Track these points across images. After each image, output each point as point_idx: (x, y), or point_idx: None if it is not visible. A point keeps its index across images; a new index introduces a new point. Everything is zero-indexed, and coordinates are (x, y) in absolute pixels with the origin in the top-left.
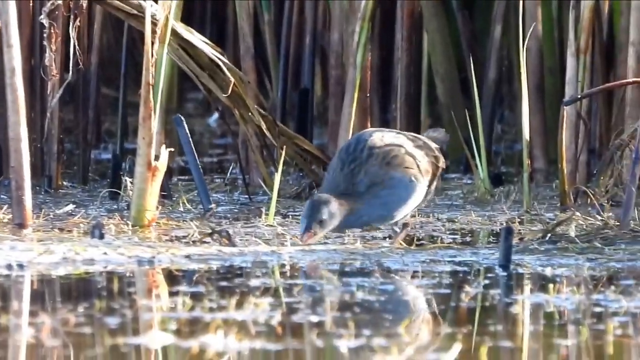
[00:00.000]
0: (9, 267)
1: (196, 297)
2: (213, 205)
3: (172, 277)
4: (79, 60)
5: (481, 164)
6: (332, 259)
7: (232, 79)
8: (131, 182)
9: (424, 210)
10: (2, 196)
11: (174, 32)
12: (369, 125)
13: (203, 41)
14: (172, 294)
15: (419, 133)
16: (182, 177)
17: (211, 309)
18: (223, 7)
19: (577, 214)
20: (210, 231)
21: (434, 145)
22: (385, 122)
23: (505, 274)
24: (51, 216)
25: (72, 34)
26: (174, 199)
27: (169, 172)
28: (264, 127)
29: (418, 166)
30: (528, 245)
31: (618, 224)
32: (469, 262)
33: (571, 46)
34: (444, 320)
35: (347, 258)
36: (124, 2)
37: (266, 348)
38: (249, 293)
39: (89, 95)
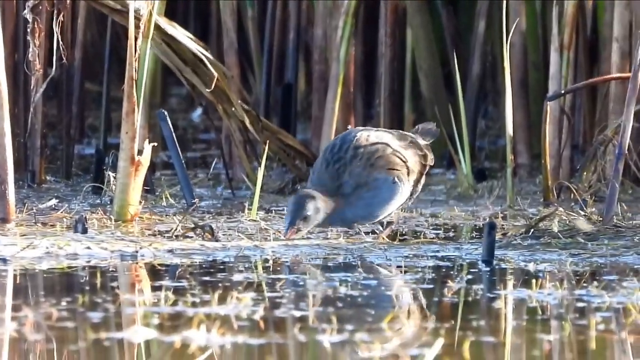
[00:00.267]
0: None
1: (179, 291)
2: (196, 200)
3: (155, 272)
4: (63, 55)
5: (464, 159)
6: (315, 254)
7: (216, 74)
8: (114, 177)
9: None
10: None
11: (158, 27)
12: (352, 120)
13: (187, 36)
14: (155, 288)
15: (402, 128)
16: (166, 172)
17: (194, 304)
18: (206, 2)
19: (560, 209)
20: (193, 226)
21: (422, 143)
22: (369, 118)
23: (488, 269)
24: (34, 211)
25: (56, 29)
26: (157, 193)
27: (152, 167)
28: (247, 122)
29: (405, 165)
30: (511, 240)
31: (601, 219)
32: (452, 257)
33: (555, 42)
34: (427, 315)
35: (330, 253)
36: None
37: (249, 343)
38: (232, 288)
39: (73, 90)
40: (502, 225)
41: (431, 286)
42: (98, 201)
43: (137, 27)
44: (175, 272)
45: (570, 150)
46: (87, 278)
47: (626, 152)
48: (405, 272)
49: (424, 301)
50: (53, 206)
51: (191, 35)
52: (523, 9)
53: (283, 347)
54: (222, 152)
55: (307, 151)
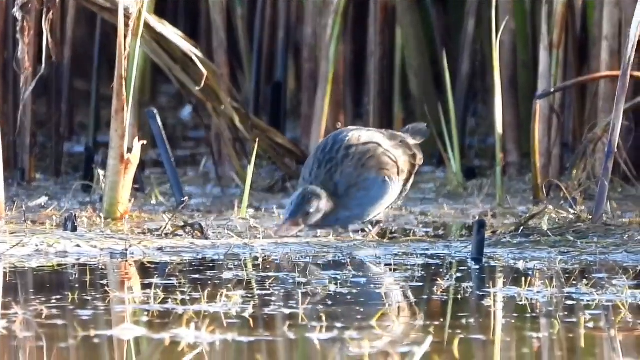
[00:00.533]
0: None
1: (168, 289)
2: (186, 198)
3: (144, 270)
4: (52, 54)
5: (454, 158)
6: (305, 251)
7: (205, 72)
8: (104, 175)
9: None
10: None
11: (147, 26)
12: (342, 118)
13: (176, 34)
14: (145, 286)
15: (392, 127)
16: (155, 170)
17: (183, 302)
18: (196, 1)
19: (550, 207)
20: (182, 224)
21: (412, 142)
22: (359, 116)
23: (477, 267)
24: (24, 209)
25: (45, 27)
26: (147, 191)
27: (142, 165)
28: (236, 120)
29: (396, 165)
30: (501, 238)
31: (591, 217)
32: (442, 255)
33: (544, 40)
34: (417, 313)
35: (320, 251)
36: None
37: (238, 340)
38: (222, 285)
39: (62, 88)
40: (492, 223)
41: (421, 284)
42: (88, 199)
43: (126, 25)
44: (165, 270)
45: (559, 149)
46: (77, 276)
47: (615, 150)
48: (395, 270)
49: (413, 299)
50: (43, 204)
51: (181, 34)
52: (512, 7)
53: (273, 344)
54: (211, 150)
55: (297, 149)
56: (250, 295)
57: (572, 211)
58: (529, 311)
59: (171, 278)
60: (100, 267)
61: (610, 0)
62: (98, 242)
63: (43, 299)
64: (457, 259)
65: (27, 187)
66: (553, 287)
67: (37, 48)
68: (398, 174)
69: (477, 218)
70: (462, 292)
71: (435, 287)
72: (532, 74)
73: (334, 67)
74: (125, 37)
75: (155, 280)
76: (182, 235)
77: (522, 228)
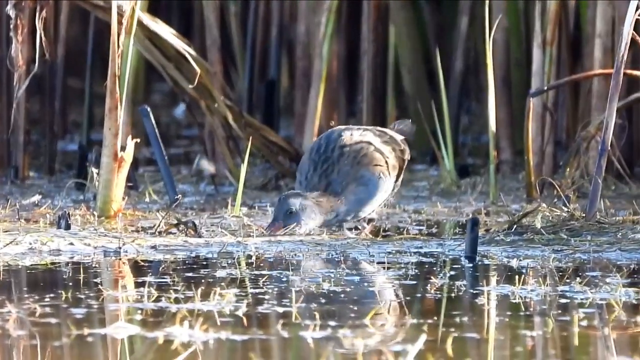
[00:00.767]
0: None
1: (162, 287)
2: (179, 196)
3: (138, 268)
4: (46, 52)
5: (447, 156)
6: (299, 249)
7: (199, 70)
8: (97, 173)
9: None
10: None
11: (140, 23)
12: (335, 116)
13: (169, 33)
14: (138, 284)
15: (385, 125)
16: (149, 168)
17: (177, 300)
18: None
19: (543, 205)
20: (176, 222)
21: (399, 138)
22: (352, 114)
23: (471, 265)
24: (17, 207)
25: (39, 25)
26: (140, 189)
27: (135, 163)
28: (230, 118)
29: (386, 162)
30: (494, 236)
31: (584, 215)
32: (435, 253)
33: (537, 38)
34: (410, 311)
35: (314, 249)
36: None
37: (232, 338)
38: (215, 284)
39: (55, 86)
40: (485, 221)
41: (414, 282)
42: (81, 197)
43: (119, 23)
44: (159, 268)
45: (553, 147)
46: (70, 274)
47: (609, 148)
48: (388, 268)
49: (406, 297)
50: (36, 202)
51: (174, 32)
52: (506, 5)
53: (266, 343)
54: (205, 149)
55: (290, 147)
56: (243, 294)
57: (565, 209)
58: (523, 309)
59: (165, 276)
60: (93, 265)
61: None
62: (91, 240)
63: (36, 297)
64: (450, 257)
65: (20, 185)
66: (547, 285)
67: (30, 46)
68: (390, 170)
69: (470, 216)
70: (455, 290)
71: (429, 285)
72: (525, 72)
73: (327, 65)
74: (119, 35)
75: (149, 278)
76: (175, 233)
77: (515, 226)
